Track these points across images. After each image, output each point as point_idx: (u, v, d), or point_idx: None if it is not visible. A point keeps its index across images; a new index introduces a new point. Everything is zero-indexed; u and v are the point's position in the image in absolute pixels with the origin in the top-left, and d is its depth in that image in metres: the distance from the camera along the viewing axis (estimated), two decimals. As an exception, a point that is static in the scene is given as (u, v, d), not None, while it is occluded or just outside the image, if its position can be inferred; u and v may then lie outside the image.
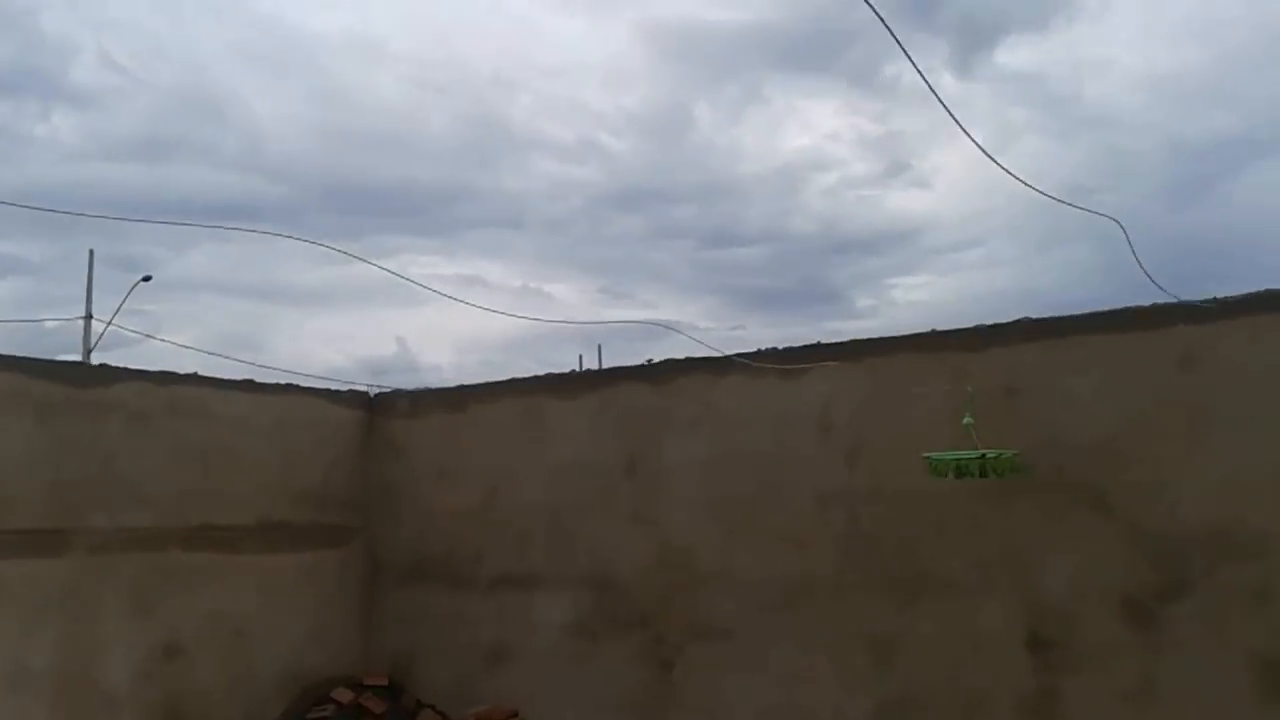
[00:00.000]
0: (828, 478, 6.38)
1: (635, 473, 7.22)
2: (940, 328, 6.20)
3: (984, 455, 5.27)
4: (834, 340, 6.53)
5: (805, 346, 6.61)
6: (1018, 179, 4.88)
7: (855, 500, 6.28)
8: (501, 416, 7.98)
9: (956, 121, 4.37)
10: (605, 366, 7.56)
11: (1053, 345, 5.82)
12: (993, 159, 4.78)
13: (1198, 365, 5.38)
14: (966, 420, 5.49)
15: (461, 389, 8.30)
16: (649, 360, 7.31)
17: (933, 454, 5.46)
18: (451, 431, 8.28)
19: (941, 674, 5.90)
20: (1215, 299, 5.41)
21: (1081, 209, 5.30)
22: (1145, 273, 5.31)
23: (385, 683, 8.05)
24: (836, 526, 6.33)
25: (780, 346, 6.65)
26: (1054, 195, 5.24)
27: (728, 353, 6.76)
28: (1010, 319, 6.00)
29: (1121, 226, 5.31)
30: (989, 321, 6.06)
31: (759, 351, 6.76)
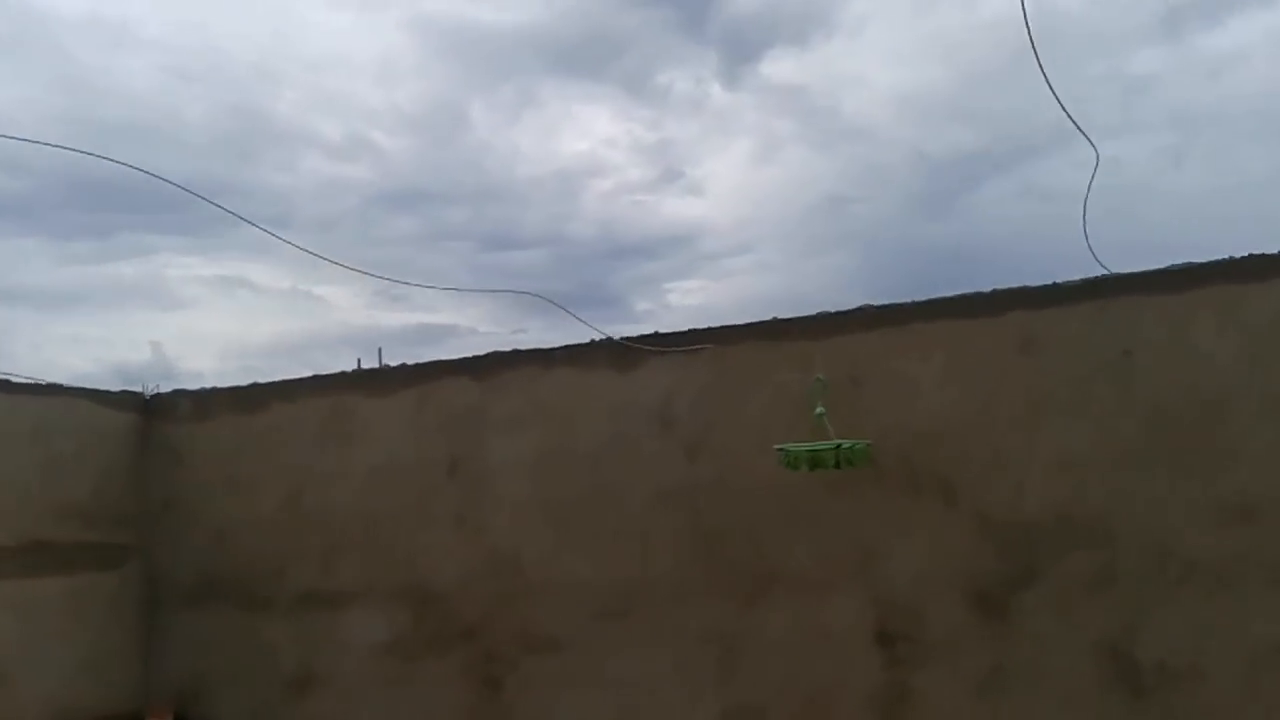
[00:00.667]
0: (668, 473, 6.06)
1: (458, 474, 6.68)
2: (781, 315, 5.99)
3: (839, 445, 5.06)
4: (672, 330, 6.20)
5: (642, 336, 6.26)
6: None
7: (697, 496, 5.98)
8: (304, 417, 7.24)
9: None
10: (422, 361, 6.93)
11: (894, 332, 5.69)
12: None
13: (1037, 350, 5.37)
14: (819, 410, 5.28)
15: (256, 387, 7.49)
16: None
17: (787, 445, 5.22)
18: (244, 435, 7.47)
19: (790, 673, 5.68)
20: (1054, 284, 5.42)
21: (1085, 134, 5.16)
22: (1091, 250, 5.27)
23: (171, 718, 7.17)
24: (678, 524, 6.01)
25: (618, 337, 6.27)
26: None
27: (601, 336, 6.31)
28: (852, 306, 5.85)
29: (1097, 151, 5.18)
30: (831, 309, 5.90)
31: (592, 342, 6.38)
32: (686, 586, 5.95)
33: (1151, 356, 5.12)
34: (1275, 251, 4.95)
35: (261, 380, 7.47)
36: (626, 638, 6.07)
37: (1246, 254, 5.00)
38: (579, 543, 6.25)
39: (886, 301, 5.77)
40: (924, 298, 5.66)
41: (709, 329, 6.09)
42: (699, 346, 6.00)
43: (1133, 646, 5.03)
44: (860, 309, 5.79)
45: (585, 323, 6.30)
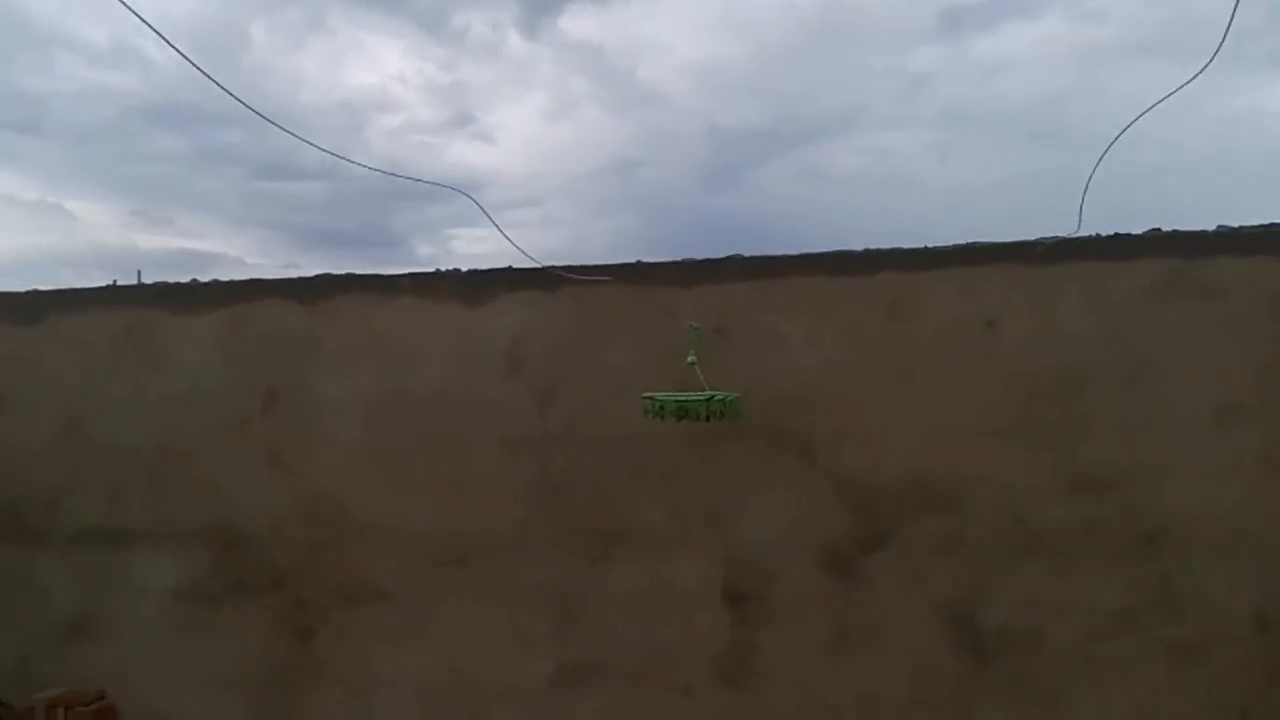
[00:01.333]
0: (515, 420, 5.68)
1: (276, 407, 6.05)
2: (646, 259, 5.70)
3: (711, 397, 4.84)
4: (528, 266, 5.79)
5: (494, 270, 5.83)
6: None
7: (546, 445, 5.64)
8: (95, 332, 6.38)
9: None
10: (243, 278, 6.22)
11: (765, 286, 5.51)
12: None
13: (906, 313, 5.32)
14: (691, 359, 5.05)
15: (36, 294, 6.54)
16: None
17: (655, 394, 4.95)
18: (18, 348, 6.52)
19: (633, 631, 5.47)
20: (925, 248, 5.37)
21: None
22: (1079, 212, 5.14)
23: (-86, 668, 6.25)
24: (523, 474, 5.66)
25: (478, 269, 5.82)
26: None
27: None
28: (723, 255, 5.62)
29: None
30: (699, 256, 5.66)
31: (439, 271, 5.89)
32: (529, 539, 5.62)
33: (1015, 328, 5.16)
34: (1141, 233, 5.07)
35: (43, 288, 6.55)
36: (458, 590, 5.70)
37: (1114, 233, 5.10)
38: (412, 489, 5.79)
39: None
40: (797, 252, 5.51)
41: (568, 267, 5.72)
42: (599, 279, 5.61)
43: (976, 611, 5.11)
44: (731, 258, 5.58)
45: (512, 241, 5.82)
